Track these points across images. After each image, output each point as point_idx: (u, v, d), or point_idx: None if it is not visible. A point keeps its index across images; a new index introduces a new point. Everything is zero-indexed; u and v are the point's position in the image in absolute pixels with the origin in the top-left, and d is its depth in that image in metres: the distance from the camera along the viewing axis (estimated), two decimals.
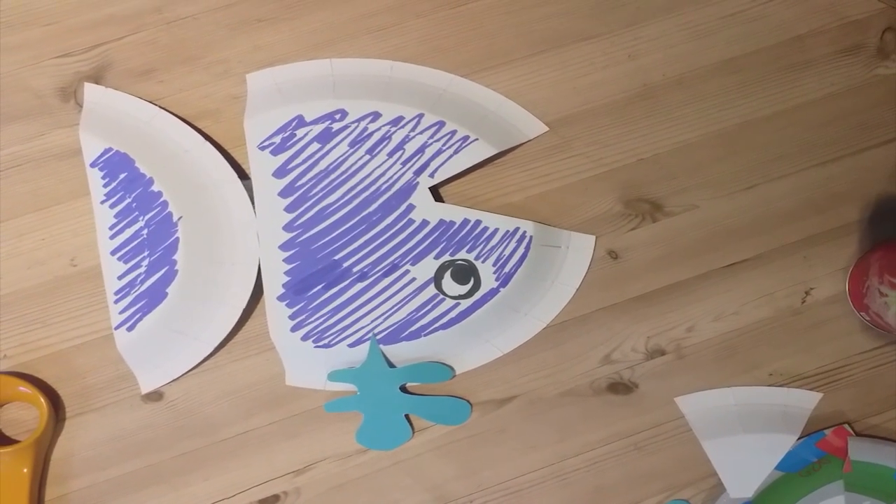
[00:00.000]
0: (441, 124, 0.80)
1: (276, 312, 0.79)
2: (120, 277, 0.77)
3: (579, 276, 0.82)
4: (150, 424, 0.80)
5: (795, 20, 0.85)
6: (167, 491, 0.80)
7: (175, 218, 0.78)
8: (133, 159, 0.78)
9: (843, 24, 0.85)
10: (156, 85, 0.81)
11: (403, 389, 0.81)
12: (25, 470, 0.77)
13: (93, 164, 0.78)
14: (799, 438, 0.83)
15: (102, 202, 0.78)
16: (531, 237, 0.80)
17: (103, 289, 0.78)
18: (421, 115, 0.80)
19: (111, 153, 0.78)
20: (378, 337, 0.80)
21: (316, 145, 0.79)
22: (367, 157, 0.80)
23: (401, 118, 0.80)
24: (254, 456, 0.81)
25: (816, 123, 0.85)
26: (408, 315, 0.80)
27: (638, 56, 0.84)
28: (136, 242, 0.78)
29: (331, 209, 0.79)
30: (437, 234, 0.80)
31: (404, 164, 0.80)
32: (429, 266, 0.80)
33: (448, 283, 0.80)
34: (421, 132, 0.80)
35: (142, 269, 0.77)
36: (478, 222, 0.80)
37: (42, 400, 0.77)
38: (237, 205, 0.79)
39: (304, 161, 0.79)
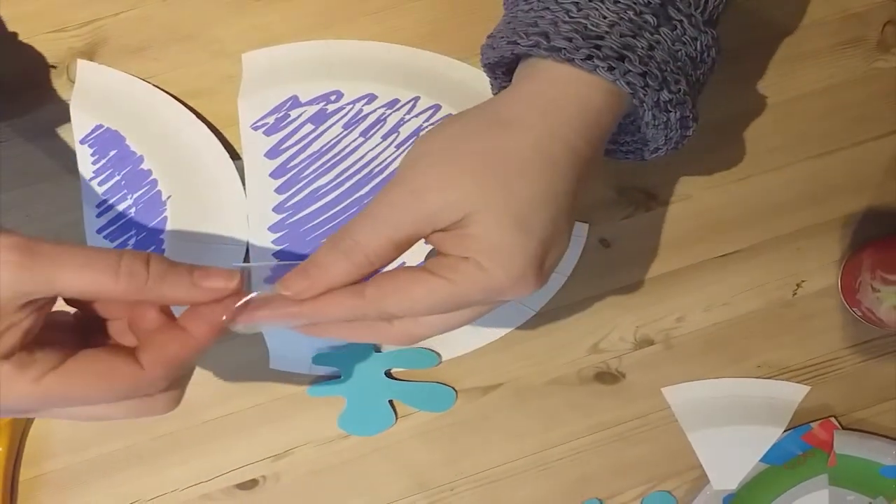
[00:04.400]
0: (437, 108, 0.80)
1: None
2: None
3: (570, 264, 0.82)
4: None
5: (795, 11, 0.84)
6: (145, 473, 0.80)
7: (164, 197, 0.78)
8: (124, 137, 0.78)
9: (844, 16, 0.85)
10: (150, 62, 0.80)
11: (388, 375, 0.81)
12: (0, 449, 0.77)
13: (83, 141, 0.78)
14: (785, 431, 0.83)
15: (91, 179, 0.78)
16: None
17: None
18: (417, 99, 0.80)
19: (102, 130, 0.78)
20: None
21: (310, 126, 0.79)
22: (361, 139, 0.80)
23: (396, 101, 0.80)
24: (234, 439, 0.81)
25: (814, 115, 0.84)
26: None
27: None
28: (123, 221, 0.78)
29: (322, 191, 0.79)
30: None
31: (398, 147, 0.80)
32: (420, 250, 0.79)
33: None
34: (416, 115, 0.80)
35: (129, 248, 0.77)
36: None
37: None
38: (228, 185, 0.79)
39: (298, 142, 0.79)
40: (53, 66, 0.80)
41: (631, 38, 0.58)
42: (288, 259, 0.78)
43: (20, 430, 0.79)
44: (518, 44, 0.60)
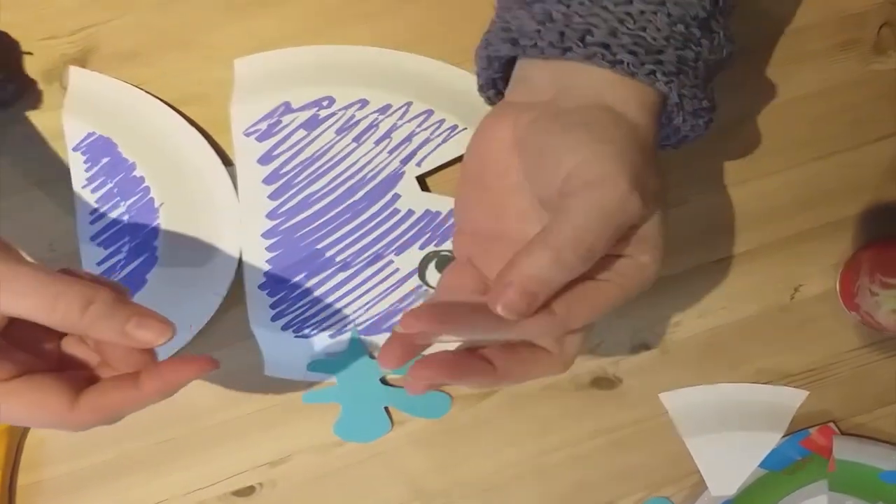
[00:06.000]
0: (429, 113, 0.80)
1: (256, 301, 0.78)
2: (99, 263, 0.77)
3: None
4: None
5: (791, 14, 0.84)
6: (142, 480, 0.80)
7: (157, 204, 0.78)
8: (116, 144, 0.78)
9: (840, 18, 0.84)
10: (142, 69, 0.80)
11: (384, 381, 0.81)
12: None
13: (75, 149, 0.77)
14: (783, 436, 0.82)
15: (84, 187, 0.77)
16: None
17: None
18: (409, 104, 0.80)
19: (94, 137, 0.78)
20: (360, 328, 0.79)
21: (302, 132, 0.79)
22: (354, 144, 0.79)
23: (389, 106, 0.80)
24: (230, 446, 0.81)
25: (810, 118, 0.84)
26: (390, 306, 0.79)
27: None
28: (116, 228, 0.77)
29: (315, 197, 0.79)
30: (422, 223, 0.79)
31: (391, 152, 0.79)
32: (413, 256, 0.79)
33: (432, 274, 0.79)
34: (409, 120, 0.80)
35: (122, 256, 0.77)
36: None
37: None
38: (220, 192, 0.78)
39: (290, 148, 0.79)
40: (45, 74, 0.80)
41: (682, 51, 0.59)
42: (282, 264, 0.78)
43: (17, 437, 0.79)
44: (572, 50, 0.58)
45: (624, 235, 0.55)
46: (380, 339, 0.80)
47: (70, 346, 0.60)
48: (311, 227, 0.79)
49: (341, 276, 0.79)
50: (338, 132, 0.79)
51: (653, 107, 0.59)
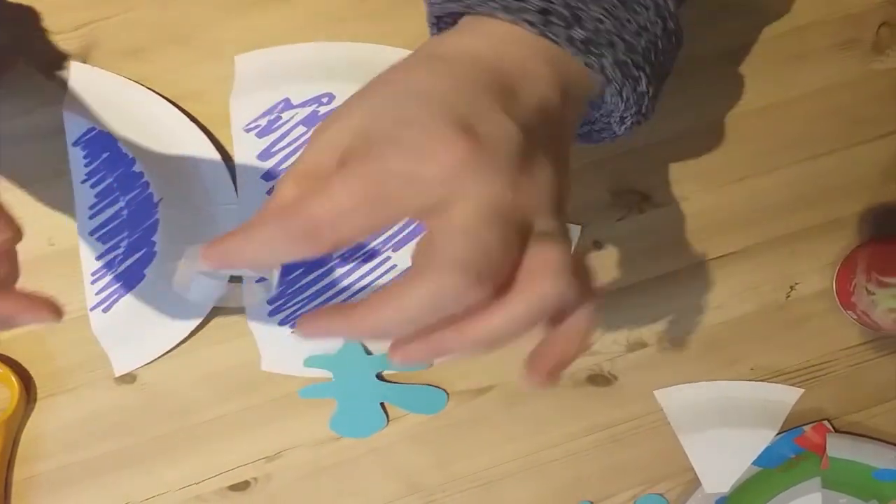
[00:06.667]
0: None
1: (254, 296, 0.79)
2: (98, 258, 0.77)
3: None
4: (123, 407, 0.80)
5: (791, 13, 0.84)
6: (137, 475, 0.81)
7: (156, 199, 0.78)
8: (116, 139, 0.78)
9: (839, 18, 0.84)
10: (142, 65, 0.80)
11: (380, 377, 0.81)
12: None
13: (75, 144, 0.78)
14: (778, 434, 0.83)
15: (83, 182, 0.78)
16: None
17: (80, 269, 0.78)
18: None
19: (94, 132, 0.78)
20: None
21: (302, 129, 0.79)
22: None
23: None
24: (226, 441, 0.81)
25: (809, 117, 0.84)
26: None
27: None
28: (115, 223, 0.77)
29: None
30: None
31: None
32: (410, 252, 0.79)
33: None
34: None
35: (120, 250, 0.77)
36: None
37: (14, 380, 0.77)
38: (219, 187, 0.78)
39: (289, 144, 0.79)
40: (46, 68, 0.80)
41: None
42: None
43: (14, 431, 0.79)
44: (462, 1, 0.55)
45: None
46: None
47: None
48: None
49: (339, 271, 0.79)
50: None
51: (528, 50, 0.53)
